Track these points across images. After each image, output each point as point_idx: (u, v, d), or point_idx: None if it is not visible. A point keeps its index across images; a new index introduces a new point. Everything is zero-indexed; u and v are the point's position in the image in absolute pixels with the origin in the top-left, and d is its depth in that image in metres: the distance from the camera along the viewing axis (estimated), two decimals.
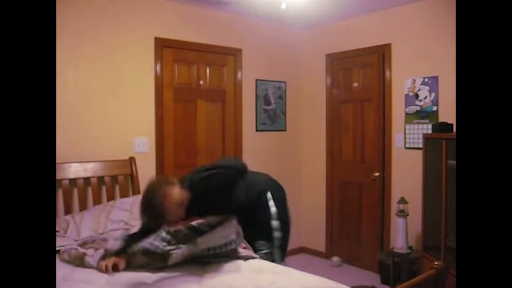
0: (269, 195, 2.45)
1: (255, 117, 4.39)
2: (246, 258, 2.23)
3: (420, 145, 3.59)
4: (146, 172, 3.52)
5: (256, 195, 2.44)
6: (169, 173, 3.70)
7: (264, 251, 2.37)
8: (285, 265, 2.35)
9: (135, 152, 3.51)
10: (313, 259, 4.61)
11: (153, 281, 1.98)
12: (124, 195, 3.35)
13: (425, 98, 3.72)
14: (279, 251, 2.39)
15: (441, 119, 3.52)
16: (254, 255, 2.31)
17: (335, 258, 4.35)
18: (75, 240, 2.61)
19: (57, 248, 2.35)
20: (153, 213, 2.00)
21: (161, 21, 3.68)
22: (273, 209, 2.41)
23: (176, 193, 2.04)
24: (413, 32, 3.80)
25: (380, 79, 4.04)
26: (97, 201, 3.23)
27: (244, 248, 2.38)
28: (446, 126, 3.15)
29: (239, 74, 4.24)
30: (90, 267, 2.15)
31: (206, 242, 2.16)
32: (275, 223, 2.39)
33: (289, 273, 2.04)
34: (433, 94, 3.66)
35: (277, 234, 2.38)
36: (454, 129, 3.14)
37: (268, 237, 2.37)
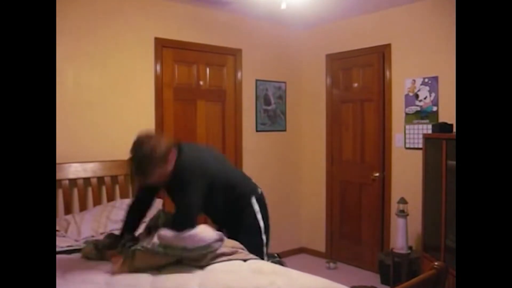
0: (256, 206, 2.40)
1: (255, 117, 4.39)
2: (245, 259, 2.21)
3: (420, 145, 3.59)
4: None
5: (244, 202, 2.38)
6: None
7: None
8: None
9: None
10: (313, 259, 4.61)
11: (151, 281, 1.97)
12: (124, 195, 3.35)
13: (425, 98, 3.72)
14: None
15: (441, 119, 3.52)
16: (250, 255, 2.22)
17: (331, 263, 4.35)
18: (76, 240, 2.62)
19: (57, 249, 2.36)
20: (140, 164, 1.99)
21: (161, 21, 3.69)
22: (261, 223, 2.39)
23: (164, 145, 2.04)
24: (413, 32, 3.80)
25: (380, 79, 4.04)
26: (97, 201, 3.23)
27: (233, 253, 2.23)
28: (446, 126, 3.15)
29: (239, 74, 4.24)
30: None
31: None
32: (264, 237, 2.41)
33: (289, 273, 2.03)
34: (433, 94, 3.66)
35: (264, 250, 2.41)
36: (454, 129, 3.14)
37: (257, 254, 2.29)
